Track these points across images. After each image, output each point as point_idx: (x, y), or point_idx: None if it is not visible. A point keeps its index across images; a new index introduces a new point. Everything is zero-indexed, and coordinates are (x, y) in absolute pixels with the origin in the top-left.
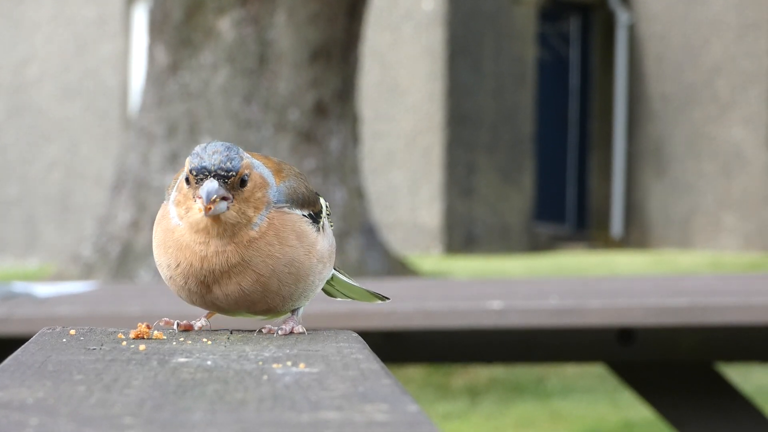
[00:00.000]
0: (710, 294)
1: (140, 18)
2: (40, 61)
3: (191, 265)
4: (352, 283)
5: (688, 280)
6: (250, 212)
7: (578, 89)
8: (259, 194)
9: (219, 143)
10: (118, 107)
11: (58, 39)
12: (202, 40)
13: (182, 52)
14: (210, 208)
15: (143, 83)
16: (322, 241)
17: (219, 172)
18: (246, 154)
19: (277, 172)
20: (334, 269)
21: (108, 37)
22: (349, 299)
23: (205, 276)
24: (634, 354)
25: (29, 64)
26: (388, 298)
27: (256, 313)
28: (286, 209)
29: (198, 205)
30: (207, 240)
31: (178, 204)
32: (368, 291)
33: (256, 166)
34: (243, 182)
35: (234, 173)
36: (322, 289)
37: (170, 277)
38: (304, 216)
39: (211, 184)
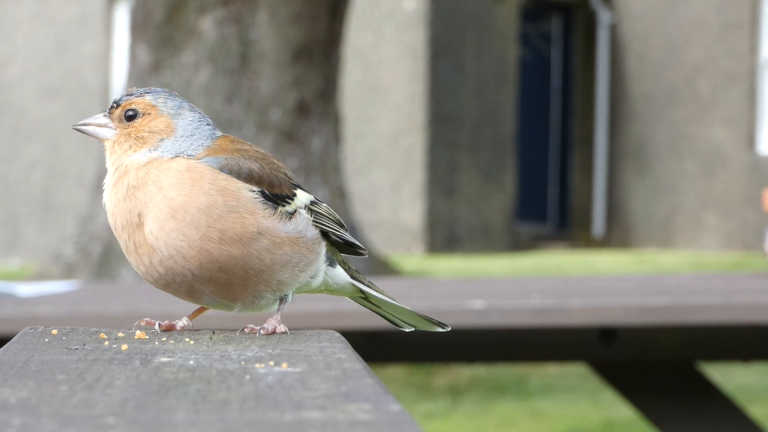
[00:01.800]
0: (691, 293)
1: (122, 17)
2: (21, 60)
3: (113, 210)
4: (399, 305)
5: (669, 280)
6: (126, 144)
7: (560, 89)
8: (145, 133)
9: (159, 89)
10: (100, 107)
11: (40, 38)
12: (184, 40)
13: (164, 52)
14: (81, 126)
15: (125, 83)
16: (276, 220)
17: (112, 104)
18: (165, 102)
19: (224, 150)
20: (365, 284)
21: (89, 36)
22: (408, 325)
23: (126, 217)
24: (615, 353)
25: (10, 64)
26: (447, 327)
27: (222, 297)
28: (205, 166)
29: None
30: (109, 174)
31: None
32: (424, 317)
33: (176, 117)
34: (130, 117)
35: (115, 105)
36: (374, 310)
37: (124, 248)
38: (252, 190)
39: (95, 116)
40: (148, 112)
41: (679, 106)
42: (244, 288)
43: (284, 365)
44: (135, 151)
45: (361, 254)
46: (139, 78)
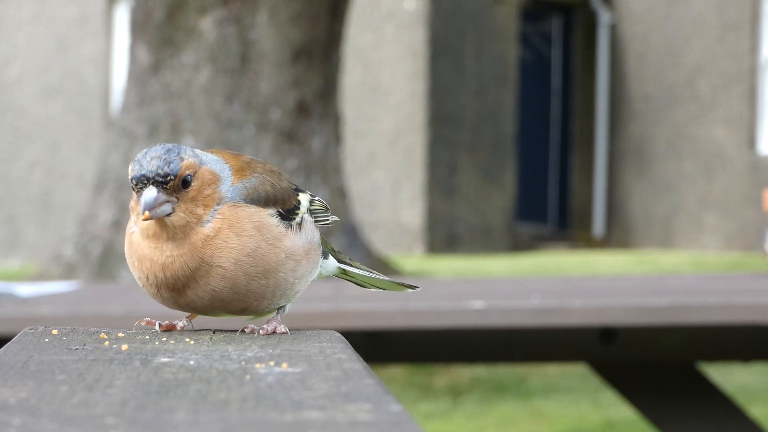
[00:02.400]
0: (692, 294)
1: (122, 17)
2: (21, 60)
3: (155, 275)
4: (373, 275)
5: (669, 280)
6: (200, 210)
7: (560, 89)
8: (207, 191)
9: (160, 147)
10: (100, 107)
11: (40, 39)
12: (184, 40)
13: (164, 52)
14: (149, 217)
15: (125, 83)
16: (294, 237)
17: (157, 178)
18: (192, 153)
19: (239, 170)
20: (348, 264)
21: (89, 36)
22: (380, 289)
23: (172, 283)
24: (615, 354)
25: (10, 64)
26: (417, 287)
27: (235, 313)
28: (240, 204)
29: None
30: (160, 245)
31: (132, 210)
32: (394, 281)
33: (206, 162)
34: (186, 183)
35: (173, 176)
36: (350, 281)
37: (142, 287)
38: (271, 213)
39: (149, 192)
40: (192, 168)
41: (680, 106)
42: (266, 306)
43: (284, 365)
44: (206, 212)
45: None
46: (139, 78)
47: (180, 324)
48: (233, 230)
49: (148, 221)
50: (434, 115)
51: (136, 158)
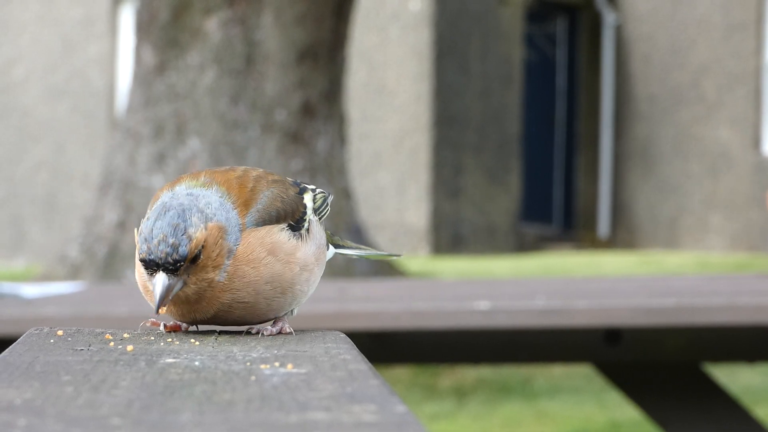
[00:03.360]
0: (697, 294)
1: (127, 18)
2: (26, 61)
3: (177, 315)
4: (363, 252)
5: (674, 281)
6: (211, 274)
7: (565, 90)
8: (216, 252)
9: (167, 224)
10: (105, 108)
11: (45, 39)
12: (189, 41)
13: (169, 53)
14: (163, 307)
15: (130, 84)
16: (304, 246)
17: (167, 265)
18: (198, 217)
19: (245, 204)
20: (342, 246)
21: (95, 37)
22: (364, 258)
23: (196, 319)
24: (621, 354)
25: (16, 65)
26: (400, 255)
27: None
28: (251, 229)
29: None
30: (180, 308)
31: (140, 275)
32: (379, 253)
33: (211, 215)
34: (196, 258)
35: (182, 262)
36: (339, 254)
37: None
38: (282, 227)
39: (159, 285)
40: (203, 240)
41: (685, 107)
42: (274, 316)
43: (289, 366)
44: (218, 270)
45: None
46: (144, 79)
47: (185, 325)
48: (249, 265)
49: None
50: (439, 116)
51: (143, 235)
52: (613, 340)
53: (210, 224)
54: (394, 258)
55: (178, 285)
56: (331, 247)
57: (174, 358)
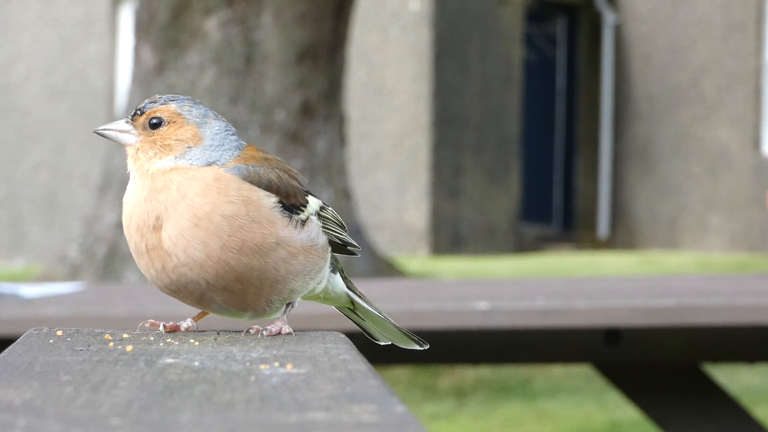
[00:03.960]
0: (697, 295)
1: (127, 18)
2: (26, 61)
3: (131, 214)
4: (382, 317)
5: (674, 281)
6: (151, 152)
7: (565, 90)
8: (172, 141)
9: (183, 96)
10: (105, 108)
11: (45, 39)
12: (189, 41)
13: (169, 53)
14: (101, 130)
15: (130, 84)
16: (292, 229)
17: (135, 110)
18: (192, 110)
19: (249, 158)
20: (358, 295)
21: (94, 37)
22: (386, 339)
23: (144, 219)
24: (620, 354)
25: (15, 65)
26: (426, 345)
27: (228, 303)
28: (230, 175)
29: None
30: (132, 179)
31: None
32: (403, 331)
33: (204, 125)
34: (155, 125)
35: (140, 112)
36: (360, 327)
37: (134, 250)
38: (269, 195)
39: (116, 122)
40: (173, 120)
41: (684, 107)
42: (257, 297)
43: (289, 366)
44: (160, 158)
45: (354, 254)
46: (144, 79)
47: (184, 325)
48: (216, 188)
49: (99, 134)
50: (439, 116)
51: None
52: (613, 340)
53: (189, 124)
54: (417, 347)
55: (127, 136)
56: (339, 278)
57: (173, 358)
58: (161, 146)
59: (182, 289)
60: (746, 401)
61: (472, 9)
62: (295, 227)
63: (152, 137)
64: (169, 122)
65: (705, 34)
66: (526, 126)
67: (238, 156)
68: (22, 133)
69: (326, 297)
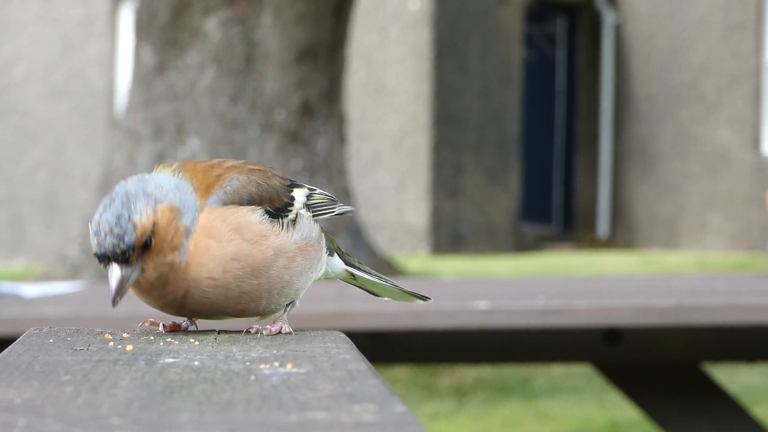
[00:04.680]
0: (696, 294)
1: (127, 18)
2: (26, 61)
3: (151, 302)
4: (382, 282)
5: (674, 281)
6: (169, 257)
7: (565, 90)
8: (171, 234)
9: (111, 213)
10: (105, 107)
11: (45, 39)
12: (189, 41)
13: (169, 53)
14: (119, 298)
15: (130, 83)
16: (284, 234)
17: (116, 257)
18: (145, 201)
19: (208, 187)
20: (357, 268)
21: (94, 37)
22: (391, 299)
23: (169, 304)
24: (620, 354)
25: (15, 65)
26: (429, 298)
27: (237, 315)
28: (215, 208)
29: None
30: (148, 290)
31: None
32: (404, 290)
33: (162, 198)
34: (147, 245)
35: (131, 249)
36: (358, 286)
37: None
38: (254, 209)
39: (114, 277)
40: (150, 225)
41: (684, 106)
42: (267, 305)
43: (289, 366)
44: (177, 258)
45: (349, 214)
46: (144, 79)
47: (184, 324)
48: (212, 239)
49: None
50: (439, 115)
51: (92, 228)
52: (613, 339)
53: (160, 206)
54: (420, 302)
55: (135, 274)
56: (337, 258)
57: (173, 357)
58: (171, 249)
59: (192, 316)
60: (746, 401)
61: (472, 9)
62: (287, 231)
63: (156, 249)
64: (153, 231)
65: (705, 34)
66: (526, 126)
67: (197, 188)
68: (22, 133)
69: (327, 277)
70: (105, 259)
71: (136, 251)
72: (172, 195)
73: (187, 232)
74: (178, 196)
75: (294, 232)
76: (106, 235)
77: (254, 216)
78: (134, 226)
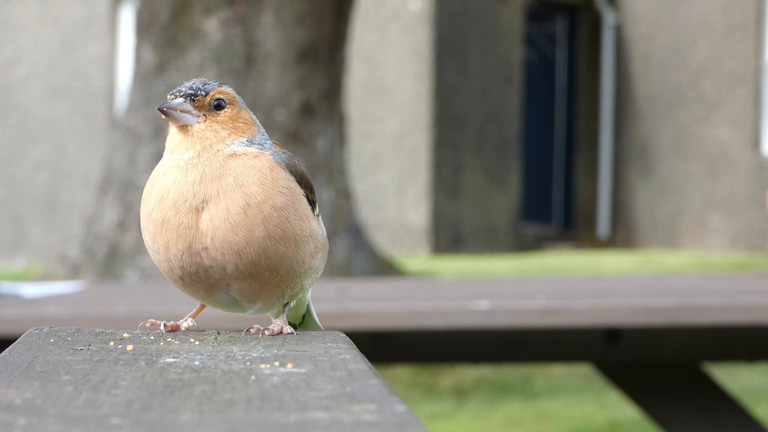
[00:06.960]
0: (697, 294)
1: (127, 18)
2: (26, 61)
3: (169, 190)
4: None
5: (674, 281)
6: (224, 133)
7: (565, 90)
8: (240, 124)
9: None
10: (105, 107)
11: (45, 39)
12: (189, 41)
13: (169, 53)
14: (163, 110)
15: (130, 83)
16: (317, 225)
17: (188, 92)
18: (232, 93)
19: (279, 146)
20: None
21: (95, 37)
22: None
23: (190, 198)
24: (620, 354)
25: (16, 65)
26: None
27: (249, 296)
28: (281, 165)
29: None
30: (182, 157)
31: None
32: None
33: (249, 111)
34: (219, 106)
35: (203, 93)
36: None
37: (152, 216)
38: (303, 194)
39: (175, 99)
40: (232, 103)
41: (684, 106)
42: (276, 288)
43: (289, 366)
44: (233, 140)
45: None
46: (144, 79)
47: (185, 324)
48: (268, 170)
49: (162, 112)
50: (439, 115)
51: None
52: (613, 339)
53: (244, 110)
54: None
55: (193, 114)
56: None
57: (174, 357)
58: (232, 128)
59: (197, 274)
60: (746, 400)
61: (472, 9)
62: (318, 222)
63: (219, 118)
64: (229, 105)
65: (705, 34)
66: (526, 126)
67: (273, 143)
68: (23, 133)
69: (298, 303)
70: (176, 93)
71: (205, 99)
72: (256, 120)
73: (252, 141)
74: (260, 127)
75: (320, 226)
76: (192, 82)
77: (302, 196)
78: (219, 85)
